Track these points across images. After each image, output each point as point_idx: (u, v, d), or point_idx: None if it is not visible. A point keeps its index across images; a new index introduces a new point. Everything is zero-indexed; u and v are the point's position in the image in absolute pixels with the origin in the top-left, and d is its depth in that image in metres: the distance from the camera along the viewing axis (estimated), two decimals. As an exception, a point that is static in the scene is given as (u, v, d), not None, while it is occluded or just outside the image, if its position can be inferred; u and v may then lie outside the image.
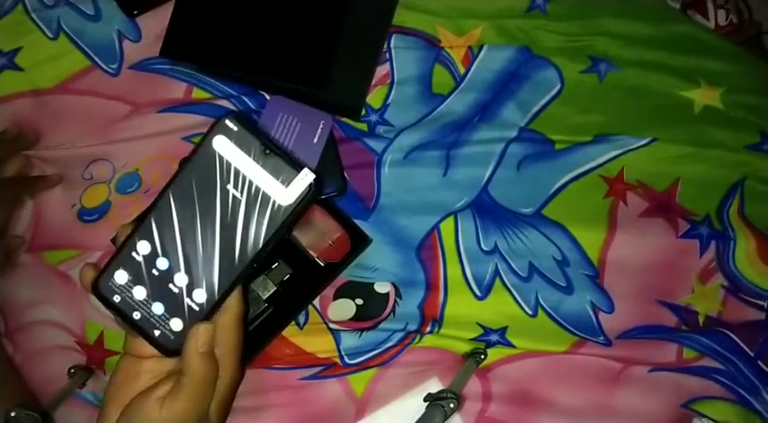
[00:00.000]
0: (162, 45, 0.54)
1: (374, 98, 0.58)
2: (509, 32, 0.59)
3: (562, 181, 0.56)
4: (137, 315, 0.35)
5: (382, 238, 0.55)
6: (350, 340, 0.54)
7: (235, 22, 0.54)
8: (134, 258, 0.34)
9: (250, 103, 0.58)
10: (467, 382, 0.51)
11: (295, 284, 0.53)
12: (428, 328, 0.53)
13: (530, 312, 0.54)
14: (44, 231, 0.57)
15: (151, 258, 0.34)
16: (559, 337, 0.53)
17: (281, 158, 0.33)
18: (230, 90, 0.58)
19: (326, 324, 0.54)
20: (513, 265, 0.54)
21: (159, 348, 0.35)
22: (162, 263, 0.34)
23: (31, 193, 0.57)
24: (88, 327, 0.55)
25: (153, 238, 0.34)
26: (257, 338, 0.52)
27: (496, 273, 0.54)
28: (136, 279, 0.34)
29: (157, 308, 0.35)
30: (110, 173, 0.57)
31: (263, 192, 0.33)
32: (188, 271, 0.34)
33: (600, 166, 0.56)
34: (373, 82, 0.58)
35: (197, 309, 0.35)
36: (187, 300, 0.34)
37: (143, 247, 0.34)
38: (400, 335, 0.53)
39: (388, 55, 0.58)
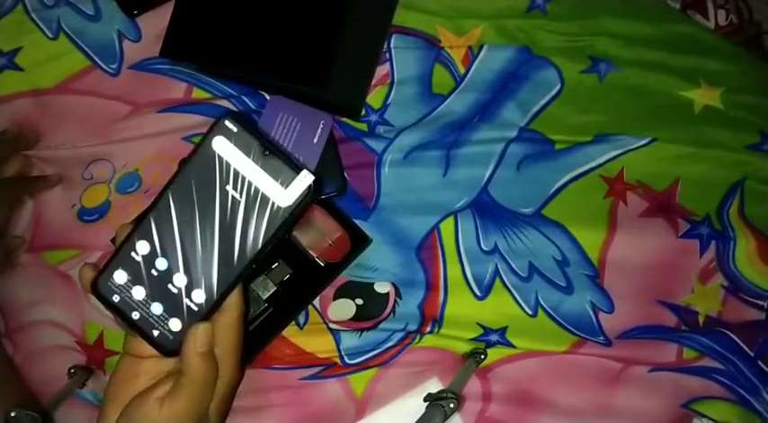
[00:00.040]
0: (162, 45, 0.54)
1: (374, 98, 0.58)
2: (509, 32, 0.59)
3: (562, 181, 0.56)
4: (136, 315, 0.35)
5: (382, 238, 0.55)
6: (350, 340, 0.54)
7: (235, 22, 0.54)
8: (133, 258, 0.34)
9: (250, 103, 0.58)
10: (467, 382, 0.51)
11: (295, 284, 0.53)
12: (428, 328, 0.53)
13: (530, 312, 0.54)
14: (44, 231, 0.57)
15: (150, 258, 0.34)
16: (559, 337, 0.53)
17: (281, 160, 0.33)
18: (230, 90, 0.58)
19: (326, 324, 0.54)
20: (513, 265, 0.54)
21: (158, 348, 0.35)
22: (161, 263, 0.34)
23: (31, 193, 0.57)
24: (88, 327, 0.55)
25: (152, 239, 0.34)
26: (257, 338, 0.52)
27: (496, 273, 0.54)
28: (135, 279, 0.34)
29: (156, 308, 0.35)
30: (110, 173, 0.57)
31: (263, 193, 0.33)
32: (187, 271, 0.34)
33: (600, 166, 0.56)
34: (373, 82, 0.58)
35: (196, 309, 0.35)
36: (186, 300, 0.34)
37: (142, 247, 0.34)
38: (400, 335, 0.53)
39: (388, 55, 0.58)
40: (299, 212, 0.34)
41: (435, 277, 0.54)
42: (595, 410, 0.52)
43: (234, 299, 0.36)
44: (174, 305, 0.35)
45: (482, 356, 0.52)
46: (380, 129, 0.57)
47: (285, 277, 0.53)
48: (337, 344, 0.54)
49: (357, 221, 0.54)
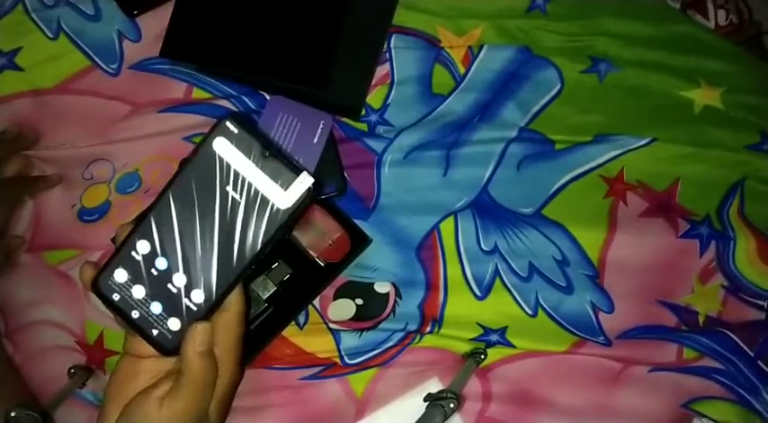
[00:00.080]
0: (162, 45, 0.54)
1: (374, 98, 0.58)
2: (509, 32, 0.59)
3: (562, 181, 0.56)
4: (135, 314, 0.35)
5: (382, 238, 0.55)
6: (350, 340, 0.54)
7: (235, 23, 0.54)
8: (133, 257, 0.34)
9: (250, 103, 0.58)
10: (467, 382, 0.51)
11: (295, 284, 0.53)
12: (428, 328, 0.53)
13: (530, 312, 0.54)
14: (44, 231, 0.57)
15: (150, 258, 0.34)
16: (559, 337, 0.53)
17: (281, 161, 0.33)
18: (230, 90, 0.58)
19: (326, 324, 0.54)
20: (513, 265, 0.54)
21: (157, 347, 0.35)
22: (161, 263, 0.34)
23: (31, 193, 0.57)
24: (88, 327, 0.55)
25: (152, 238, 0.34)
26: (257, 338, 0.52)
27: (496, 273, 0.54)
28: (135, 278, 0.34)
29: (156, 307, 0.35)
30: (110, 173, 0.57)
31: (262, 194, 0.33)
32: (186, 271, 0.34)
33: (600, 166, 0.56)
34: (373, 82, 0.58)
35: (195, 309, 0.35)
36: (185, 300, 0.34)
37: (142, 247, 0.34)
38: (400, 335, 0.53)
39: (388, 55, 0.58)
40: (298, 214, 0.34)
41: (435, 277, 0.54)
42: (595, 410, 0.52)
43: (234, 299, 0.36)
44: (173, 305, 0.35)
45: (482, 356, 0.52)
46: (380, 129, 0.57)
47: (285, 277, 0.53)
48: (337, 344, 0.54)
49: (357, 221, 0.54)
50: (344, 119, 0.57)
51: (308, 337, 0.54)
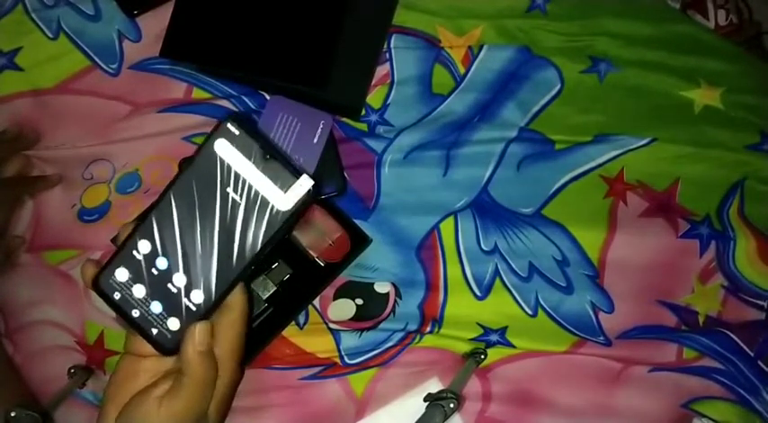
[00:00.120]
0: (162, 45, 0.54)
1: (374, 98, 0.58)
2: (509, 32, 0.59)
3: (562, 181, 0.56)
4: (135, 313, 0.35)
5: (382, 238, 0.55)
6: (350, 340, 0.54)
7: (235, 23, 0.54)
8: (135, 257, 0.34)
9: (250, 103, 0.58)
10: (467, 382, 0.51)
11: (295, 284, 0.53)
12: (428, 328, 0.53)
13: (530, 312, 0.54)
14: (44, 231, 0.57)
15: (151, 258, 0.34)
16: (559, 337, 0.53)
17: (281, 164, 0.33)
18: (230, 90, 0.58)
19: (326, 324, 0.54)
20: (513, 265, 0.54)
21: (156, 347, 0.35)
22: (161, 262, 0.34)
23: (31, 193, 0.57)
24: (88, 327, 0.55)
25: (153, 238, 0.34)
26: (257, 338, 0.52)
27: (496, 273, 0.54)
28: (136, 277, 0.35)
29: (156, 307, 0.35)
30: (110, 173, 0.57)
31: (262, 196, 0.34)
32: (187, 271, 0.34)
33: (600, 166, 0.56)
34: (373, 82, 0.58)
35: (194, 309, 0.35)
36: (185, 300, 0.35)
37: (143, 247, 0.34)
38: (400, 335, 0.53)
39: (388, 55, 0.58)
40: (297, 216, 0.34)
41: (435, 277, 0.54)
42: (595, 410, 0.52)
43: (237, 298, 0.36)
44: (173, 304, 0.35)
45: (482, 356, 0.52)
46: (380, 129, 0.57)
47: (285, 277, 0.53)
48: (337, 344, 0.54)
49: (357, 221, 0.54)
50: (344, 119, 0.57)
51: (308, 337, 0.54)
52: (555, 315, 0.54)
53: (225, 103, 0.58)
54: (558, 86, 0.58)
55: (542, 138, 0.56)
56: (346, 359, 0.53)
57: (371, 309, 0.54)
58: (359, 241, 0.53)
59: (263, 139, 0.34)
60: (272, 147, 0.34)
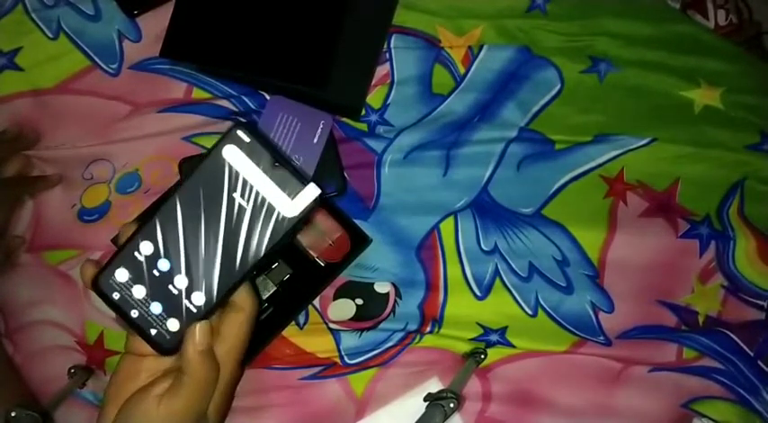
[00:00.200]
0: (162, 45, 0.54)
1: (374, 98, 0.58)
2: (509, 32, 0.59)
3: (562, 181, 0.56)
4: (134, 313, 0.35)
5: (382, 238, 0.55)
6: (350, 340, 0.54)
7: (235, 23, 0.54)
8: (136, 258, 0.35)
9: (250, 103, 0.58)
10: (467, 382, 0.51)
11: (295, 284, 0.53)
12: (428, 328, 0.53)
13: (530, 312, 0.54)
14: (44, 231, 0.57)
15: (153, 259, 0.34)
16: (559, 336, 0.53)
17: (289, 171, 0.34)
18: (230, 90, 0.58)
19: (326, 324, 0.54)
20: (513, 265, 0.54)
21: (155, 347, 0.35)
22: (163, 264, 0.35)
23: (31, 193, 0.57)
24: (88, 327, 0.55)
25: (156, 240, 0.34)
26: (257, 338, 0.52)
27: (496, 273, 0.54)
28: (136, 278, 0.35)
29: (156, 307, 0.35)
30: (110, 173, 0.57)
31: (269, 203, 0.34)
32: (189, 273, 0.35)
33: (600, 166, 0.56)
34: (373, 82, 0.58)
35: (194, 311, 0.35)
36: (185, 301, 0.35)
37: (146, 248, 0.34)
38: (400, 335, 0.54)
39: (388, 55, 0.58)
40: (302, 223, 0.34)
41: (435, 277, 0.54)
42: (595, 410, 0.52)
43: (248, 299, 0.36)
44: (173, 306, 0.35)
45: (482, 356, 0.52)
46: (380, 129, 0.57)
47: (285, 277, 0.53)
48: (337, 344, 0.54)
49: (357, 221, 0.54)
50: (344, 119, 0.57)
51: (308, 337, 0.54)
52: (555, 315, 0.54)
53: (225, 103, 0.58)
54: (558, 86, 0.58)
55: (542, 138, 0.56)
56: (346, 359, 0.53)
57: (371, 309, 0.54)
58: (359, 241, 0.53)
59: (272, 147, 0.34)
60: (281, 155, 0.34)
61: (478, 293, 0.54)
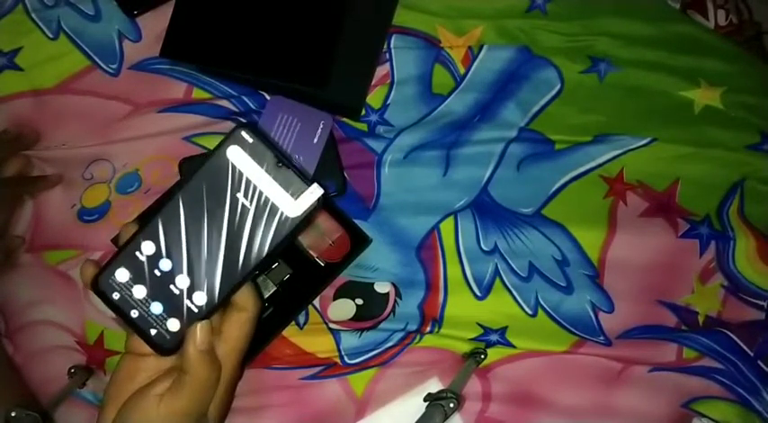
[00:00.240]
0: (162, 45, 0.54)
1: (374, 98, 0.58)
2: (509, 32, 0.59)
3: (562, 181, 0.56)
4: (134, 313, 0.35)
5: (382, 238, 0.55)
6: (350, 340, 0.54)
7: (235, 23, 0.54)
8: (137, 258, 0.34)
9: (250, 103, 0.58)
10: (467, 382, 0.51)
11: (295, 284, 0.53)
12: (428, 328, 0.53)
13: (530, 312, 0.54)
14: (44, 231, 0.57)
15: (155, 259, 0.34)
16: (559, 336, 0.53)
17: (293, 172, 0.34)
18: (230, 90, 0.58)
19: (326, 324, 0.54)
20: (513, 265, 0.54)
21: (154, 347, 0.35)
22: (165, 264, 0.34)
23: (31, 193, 0.57)
24: (88, 327, 0.55)
25: (158, 240, 0.34)
26: (257, 338, 0.52)
27: (496, 273, 0.54)
28: (137, 278, 0.35)
29: (156, 307, 0.35)
30: (110, 173, 0.57)
31: (272, 203, 0.34)
32: (190, 273, 0.34)
33: (600, 166, 0.56)
34: (373, 82, 0.58)
35: (196, 311, 0.35)
36: (187, 301, 0.35)
37: (147, 248, 0.34)
38: (400, 335, 0.54)
39: (388, 55, 0.58)
40: (305, 223, 0.34)
41: (435, 277, 0.54)
42: (595, 410, 0.52)
43: (251, 300, 0.36)
44: (174, 306, 0.35)
45: (482, 356, 0.52)
46: (380, 129, 0.57)
47: (285, 277, 0.53)
48: (337, 344, 0.54)
49: (357, 221, 0.54)
50: (344, 119, 0.57)
51: (307, 337, 0.54)
52: (555, 315, 0.54)
53: (225, 103, 0.58)
54: (558, 86, 0.58)
55: (542, 138, 0.56)
56: (346, 359, 0.53)
57: (371, 309, 0.54)
58: (359, 241, 0.53)
59: (276, 148, 0.35)
60: (285, 156, 0.34)
61: (478, 293, 0.54)
